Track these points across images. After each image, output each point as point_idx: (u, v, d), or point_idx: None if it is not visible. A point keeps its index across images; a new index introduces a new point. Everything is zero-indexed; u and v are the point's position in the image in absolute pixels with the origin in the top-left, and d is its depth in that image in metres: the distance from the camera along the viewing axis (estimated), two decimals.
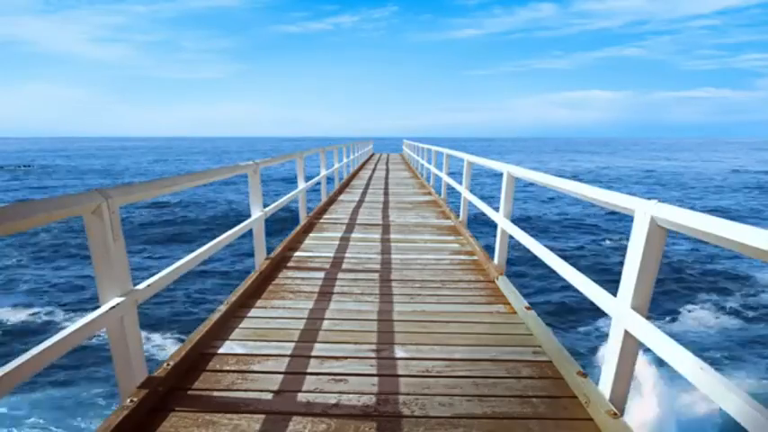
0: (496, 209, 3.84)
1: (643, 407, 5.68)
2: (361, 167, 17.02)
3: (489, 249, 4.30)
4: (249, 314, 2.96)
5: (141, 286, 1.94)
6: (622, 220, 16.12)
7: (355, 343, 2.55)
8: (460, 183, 5.70)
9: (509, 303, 3.18)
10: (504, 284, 3.43)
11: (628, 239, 1.74)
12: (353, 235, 5.40)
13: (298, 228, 5.53)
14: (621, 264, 1.77)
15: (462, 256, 4.48)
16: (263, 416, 1.86)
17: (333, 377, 2.18)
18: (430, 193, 9.39)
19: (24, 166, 47.35)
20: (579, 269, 2.23)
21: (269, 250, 4.19)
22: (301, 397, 2.01)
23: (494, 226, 3.87)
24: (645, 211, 1.63)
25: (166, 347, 7.13)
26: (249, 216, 3.67)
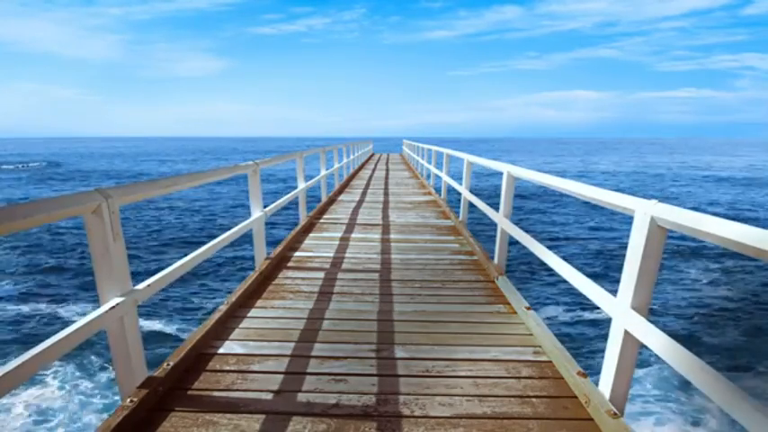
0: (497, 209, 3.84)
1: (643, 407, 5.68)
2: (361, 167, 17.03)
3: (489, 249, 4.30)
4: (249, 314, 2.96)
5: (141, 286, 1.94)
6: (622, 220, 16.12)
7: (355, 343, 2.55)
8: (461, 182, 5.71)
9: (509, 303, 3.17)
10: (504, 284, 3.43)
11: (628, 239, 1.74)
12: (353, 235, 5.40)
13: (298, 228, 5.52)
14: (621, 264, 1.77)
15: (462, 256, 4.48)
16: (263, 416, 1.86)
17: (333, 377, 2.18)
18: (430, 193, 9.39)
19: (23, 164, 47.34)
20: (579, 269, 2.23)
21: (269, 250, 4.19)
22: (301, 397, 2.01)
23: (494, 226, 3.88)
24: (645, 212, 1.64)
25: (166, 347, 7.13)
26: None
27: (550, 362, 2.35)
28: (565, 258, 2.46)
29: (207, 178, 2.68)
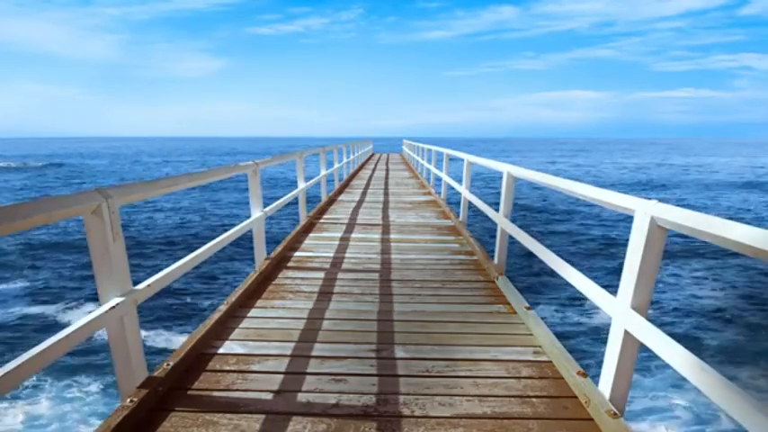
0: (496, 209, 3.84)
1: (643, 407, 5.68)
2: (361, 167, 17.03)
3: (489, 249, 4.30)
4: (249, 314, 2.96)
5: (141, 286, 1.94)
6: (622, 220, 16.12)
7: (355, 343, 2.55)
8: (461, 182, 5.71)
9: (509, 303, 3.17)
10: (504, 284, 3.43)
11: (628, 239, 1.74)
12: (353, 235, 5.40)
13: (298, 228, 5.52)
14: (621, 264, 1.77)
15: (462, 256, 4.48)
16: (263, 416, 1.86)
17: (333, 377, 2.18)
18: (430, 193, 9.39)
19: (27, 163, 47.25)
20: (579, 269, 2.23)
21: (269, 250, 4.19)
22: (301, 397, 2.01)
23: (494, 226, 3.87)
24: (645, 212, 1.64)
25: (166, 347, 7.13)
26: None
27: (550, 362, 2.35)
28: (565, 258, 2.46)
29: (207, 178, 2.68)
